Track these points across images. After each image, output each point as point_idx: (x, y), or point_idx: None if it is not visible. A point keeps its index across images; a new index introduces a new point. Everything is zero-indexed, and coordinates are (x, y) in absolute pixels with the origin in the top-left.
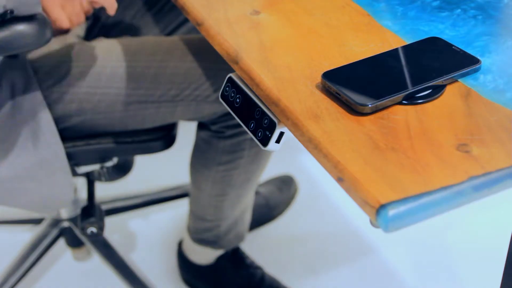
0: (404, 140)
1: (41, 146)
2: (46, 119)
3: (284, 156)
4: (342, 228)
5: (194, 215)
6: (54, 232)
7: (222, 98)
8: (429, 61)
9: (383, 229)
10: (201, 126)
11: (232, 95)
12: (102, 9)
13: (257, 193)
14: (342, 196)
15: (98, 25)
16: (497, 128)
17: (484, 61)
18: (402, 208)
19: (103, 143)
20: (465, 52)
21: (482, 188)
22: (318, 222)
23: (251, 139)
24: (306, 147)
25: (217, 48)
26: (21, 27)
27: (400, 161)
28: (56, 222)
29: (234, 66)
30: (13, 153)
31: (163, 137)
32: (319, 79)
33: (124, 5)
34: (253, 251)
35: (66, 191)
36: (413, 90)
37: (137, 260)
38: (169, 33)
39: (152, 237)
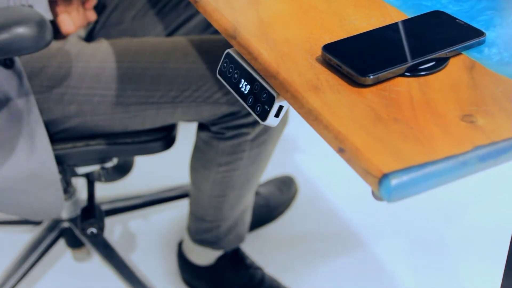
0: (407, 111)
1: (33, 161)
2: (40, 136)
3: (284, 156)
4: (342, 229)
5: (194, 215)
6: (54, 232)
7: (219, 74)
8: (432, 34)
9: (385, 199)
10: (201, 127)
11: (230, 70)
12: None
13: (257, 193)
14: (342, 197)
15: (98, 26)
16: (503, 99)
17: (489, 34)
18: (405, 177)
19: (103, 144)
20: (469, 25)
21: (488, 158)
22: (318, 222)
23: (251, 140)
24: (306, 119)
25: (214, 24)
26: (20, 30)
27: (402, 131)
28: (56, 222)
29: (232, 42)
30: (5, 166)
31: (163, 138)
32: (319, 53)
33: (124, 6)
34: (253, 251)
35: (56, 204)
36: (415, 62)
37: (137, 260)
38: (169, 34)
39: (152, 237)
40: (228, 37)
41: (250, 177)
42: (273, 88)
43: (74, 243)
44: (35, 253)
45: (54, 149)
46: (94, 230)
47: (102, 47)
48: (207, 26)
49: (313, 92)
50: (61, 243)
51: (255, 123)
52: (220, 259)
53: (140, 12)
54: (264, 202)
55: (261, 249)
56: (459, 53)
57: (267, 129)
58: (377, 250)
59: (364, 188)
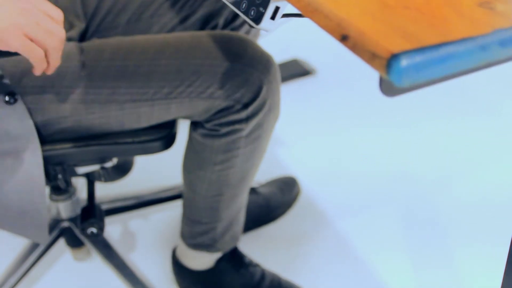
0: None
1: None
2: (38, 177)
3: (284, 156)
4: (342, 229)
5: (189, 219)
6: (54, 232)
7: None
8: None
9: (395, 83)
10: (195, 126)
11: None
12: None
13: (258, 193)
14: (342, 197)
15: (91, 30)
16: None
17: None
18: (418, 58)
19: (103, 144)
20: None
21: (509, 44)
22: (318, 222)
23: (246, 136)
24: (305, 12)
25: None
26: None
27: (413, 16)
28: (56, 222)
29: None
30: None
31: (163, 137)
32: None
33: (119, 8)
34: (253, 251)
35: (40, 231)
36: None
37: (137, 260)
38: None
39: (152, 237)
40: None
41: (245, 174)
42: None
43: (74, 243)
44: (35, 253)
45: (53, 149)
46: (94, 229)
47: (93, 46)
48: (201, 29)
49: None
50: (61, 243)
51: (248, 118)
52: (219, 262)
53: (134, 16)
54: (264, 202)
55: (261, 249)
56: None
57: (260, 123)
58: (378, 251)
59: (365, 189)
